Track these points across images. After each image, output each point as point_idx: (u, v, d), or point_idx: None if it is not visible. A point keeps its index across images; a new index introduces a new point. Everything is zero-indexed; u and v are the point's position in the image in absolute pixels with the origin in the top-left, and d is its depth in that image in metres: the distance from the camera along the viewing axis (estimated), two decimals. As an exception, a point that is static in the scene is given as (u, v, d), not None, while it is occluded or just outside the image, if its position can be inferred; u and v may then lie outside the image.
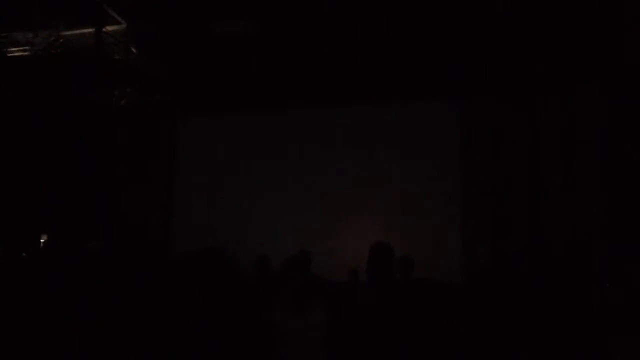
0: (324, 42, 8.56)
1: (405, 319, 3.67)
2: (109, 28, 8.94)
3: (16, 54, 9.71)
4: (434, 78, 8.85)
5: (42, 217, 9.86)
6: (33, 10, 8.66)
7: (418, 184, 9.17)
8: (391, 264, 3.80)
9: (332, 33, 8.37)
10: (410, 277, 6.05)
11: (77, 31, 9.08)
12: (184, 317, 2.77)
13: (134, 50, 9.29)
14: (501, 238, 8.52)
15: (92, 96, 10.16)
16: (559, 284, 7.57)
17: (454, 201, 8.99)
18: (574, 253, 7.99)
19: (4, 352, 3.18)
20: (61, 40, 9.33)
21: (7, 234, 8.71)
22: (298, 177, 9.86)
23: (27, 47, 9.58)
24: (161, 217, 10.82)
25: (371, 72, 8.96)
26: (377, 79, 9.05)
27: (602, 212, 7.88)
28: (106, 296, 3.88)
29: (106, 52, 9.17)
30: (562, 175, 8.38)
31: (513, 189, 8.65)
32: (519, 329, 6.28)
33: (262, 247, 6.80)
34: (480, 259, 8.54)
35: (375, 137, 9.55)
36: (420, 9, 7.59)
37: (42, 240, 9.61)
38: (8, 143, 9.68)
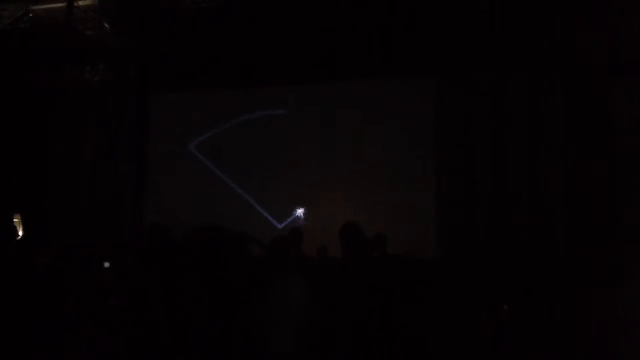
0: (298, 18, 8.52)
1: (380, 295, 3.73)
2: (81, 2, 8.75)
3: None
4: (409, 55, 8.85)
5: (14, 197, 9.70)
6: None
7: (392, 160, 9.19)
8: (361, 243, 3.87)
9: (307, 9, 8.34)
10: (385, 253, 6.14)
11: (47, 5, 8.88)
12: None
13: (106, 25, 9.12)
14: (475, 214, 8.63)
15: (63, 72, 9.97)
16: (532, 259, 7.74)
17: (428, 177, 9.04)
18: (544, 230, 8.15)
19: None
20: (30, 15, 9.12)
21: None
22: (270, 154, 9.82)
23: (-6, 21, 9.34)
24: (132, 195, 10.71)
25: (347, 48, 8.95)
26: (352, 55, 9.02)
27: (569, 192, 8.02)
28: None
29: (77, 28, 8.99)
30: (530, 152, 8.48)
31: (486, 165, 8.74)
32: (494, 304, 6.43)
33: (234, 224, 6.80)
34: (455, 234, 8.64)
35: (349, 114, 9.52)
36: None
37: (15, 220, 9.45)
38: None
